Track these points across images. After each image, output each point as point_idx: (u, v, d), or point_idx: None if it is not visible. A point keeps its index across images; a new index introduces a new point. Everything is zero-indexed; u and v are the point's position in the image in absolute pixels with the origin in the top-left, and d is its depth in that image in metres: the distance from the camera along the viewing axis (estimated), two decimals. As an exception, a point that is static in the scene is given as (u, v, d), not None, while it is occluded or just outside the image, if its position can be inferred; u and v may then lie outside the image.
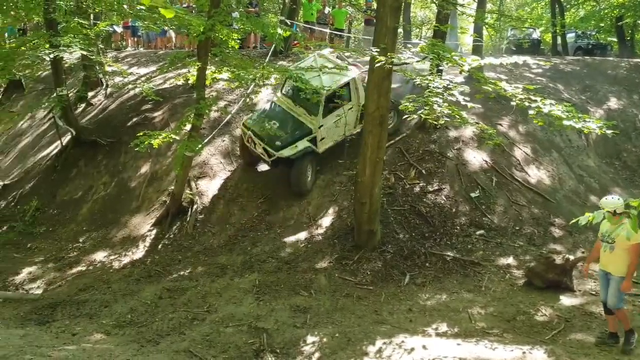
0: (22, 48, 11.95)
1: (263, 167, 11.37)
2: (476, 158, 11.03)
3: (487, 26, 12.86)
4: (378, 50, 7.53)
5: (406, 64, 7.97)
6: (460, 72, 9.68)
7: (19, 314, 7.97)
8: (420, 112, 7.53)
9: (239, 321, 7.32)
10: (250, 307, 7.73)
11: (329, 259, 9.03)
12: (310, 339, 6.84)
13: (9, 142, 16.34)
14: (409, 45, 8.49)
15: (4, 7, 13.49)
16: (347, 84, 10.67)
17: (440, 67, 9.96)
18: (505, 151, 11.35)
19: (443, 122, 7.74)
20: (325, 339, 6.79)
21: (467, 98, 7.16)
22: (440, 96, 7.19)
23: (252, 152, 10.77)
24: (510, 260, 9.07)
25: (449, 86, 7.24)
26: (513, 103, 7.09)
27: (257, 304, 7.84)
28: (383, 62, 7.06)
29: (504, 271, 8.78)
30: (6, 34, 18.58)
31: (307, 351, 6.61)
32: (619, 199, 6.27)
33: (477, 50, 14.36)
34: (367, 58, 9.92)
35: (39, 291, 9.05)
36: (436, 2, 10.52)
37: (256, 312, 7.56)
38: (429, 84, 7.31)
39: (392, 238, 9.35)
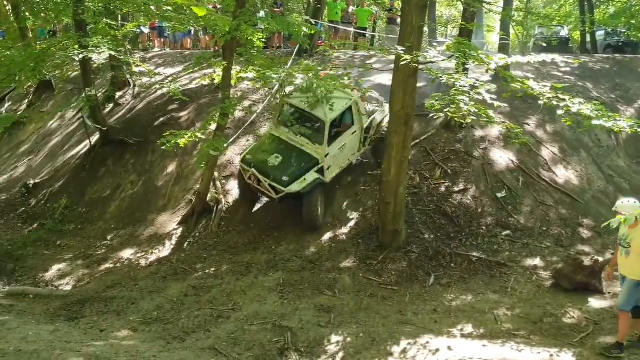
0: (53, 49, 12.18)
1: (263, 199, 10.61)
2: (502, 158, 10.90)
3: (514, 24, 12.68)
4: (404, 49, 7.49)
5: (432, 62, 7.92)
6: (487, 71, 9.58)
7: (49, 309, 8.12)
8: (446, 110, 7.47)
9: (264, 319, 7.36)
10: (275, 306, 7.76)
11: (353, 259, 9.02)
12: (334, 338, 6.85)
13: (40, 142, 16.68)
14: (435, 44, 8.35)
15: (35, 10, 13.81)
16: (349, 108, 10.03)
17: (467, 66, 9.87)
18: (532, 151, 11.20)
19: (470, 120, 7.66)
20: (349, 339, 6.79)
21: (494, 96, 7.10)
22: (467, 95, 7.12)
23: (255, 189, 9.97)
24: (537, 261, 8.94)
25: (475, 84, 7.17)
26: (541, 102, 6.99)
27: (282, 303, 7.87)
28: (408, 61, 7.03)
29: (531, 272, 8.66)
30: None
31: (332, 350, 6.62)
32: (635, 202, 6.14)
33: (503, 48, 14.19)
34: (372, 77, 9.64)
35: (68, 288, 9.24)
36: (462, 0, 10.40)
37: (280, 311, 7.59)
38: (455, 83, 7.25)
39: (417, 238, 9.30)
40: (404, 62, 7.16)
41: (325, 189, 9.96)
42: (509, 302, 7.82)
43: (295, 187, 9.37)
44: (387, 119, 10.45)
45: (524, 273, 8.66)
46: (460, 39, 8.53)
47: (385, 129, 10.28)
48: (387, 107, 10.66)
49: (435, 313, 7.62)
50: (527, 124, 11.91)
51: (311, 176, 9.49)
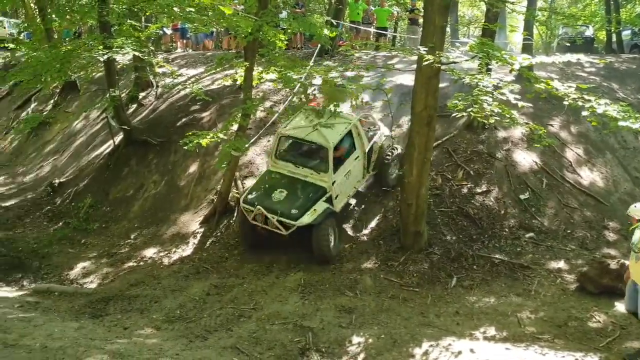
0: (78, 50, 12.37)
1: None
2: (526, 159, 10.77)
3: (537, 24, 12.52)
4: (426, 49, 7.45)
5: (454, 62, 7.86)
6: (510, 72, 9.48)
7: (73, 307, 8.25)
8: (469, 110, 7.41)
9: (285, 319, 7.38)
10: (296, 306, 7.78)
11: (375, 260, 9.00)
12: (355, 339, 6.84)
13: (65, 141, 16.97)
14: (457, 44, 8.23)
15: (60, 11, 14.04)
16: (349, 132, 9.51)
17: (490, 66, 9.78)
18: (556, 152, 11.04)
19: (493, 121, 7.59)
20: (370, 340, 6.78)
21: (517, 97, 7.02)
22: (490, 95, 7.06)
23: (260, 230, 9.24)
24: (561, 264, 8.82)
25: (499, 85, 7.10)
26: (565, 103, 6.88)
27: (303, 303, 7.89)
28: (431, 61, 6.99)
29: (555, 275, 8.54)
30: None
31: (353, 351, 6.61)
32: None
33: (527, 48, 14.03)
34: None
35: (93, 285, 9.37)
36: (485, 0, 10.31)
37: (301, 311, 7.61)
38: (478, 83, 7.18)
39: (439, 240, 9.24)
40: (426, 63, 7.12)
41: (336, 218, 9.35)
42: (532, 305, 7.73)
43: (306, 219, 8.75)
44: (386, 142, 10.43)
45: (547, 276, 8.54)
46: (484, 39, 8.46)
47: (388, 154, 10.25)
48: (384, 129, 10.69)
49: (457, 315, 7.57)
50: (551, 124, 11.75)
51: (321, 206, 8.92)
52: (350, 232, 9.83)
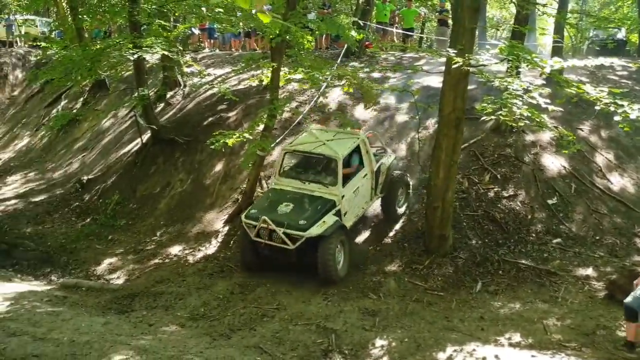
0: (108, 49, 12.58)
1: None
2: (554, 163, 10.61)
3: (569, 26, 12.32)
4: (455, 51, 7.39)
5: (484, 65, 7.78)
6: (541, 75, 9.34)
7: (100, 302, 8.38)
8: (499, 113, 7.33)
9: (308, 320, 7.39)
10: (319, 307, 7.78)
11: (399, 263, 8.95)
12: (379, 342, 6.81)
13: (93, 139, 17.25)
14: (487, 47, 8.09)
15: (92, 11, 14.30)
16: (358, 148, 9.15)
17: (519, 69, 9.65)
18: (585, 157, 10.85)
19: (523, 124, 7.48)
20: (394, 343, 6.75)
21: (547, 101, 6.91)
22: (520, 98, 6.97)
23: (263, 249, 8.56)
24: (589, 271, 8.65)
25: (529, 88, 7.00)
26: (597, 107, 6.76)
27: (326, 304, 7.88)
28: (460, 64, 6.93)
29: (583, 282, 8.38)
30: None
31: (376, 354, 6.58)
32: None
33: (557, 51, 13.80)
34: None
35: (119, 281, 9.51)
36: (515, 2, 10.18)
37: (325, 312, 7.61)
38: (508, 86, 7.09)
39: (464, 244, 9.15)
40: (455, 65, 7.06)
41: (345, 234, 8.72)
42: (559, 312, 7.60)
43: (316, 230, 8.11)
44: (394, 163, 10.05)
45: (575, 283, 8.39)
46: (514, 42, 8.36)
47: (397, 179, 9.81)
48: (391, 153, 10.33)
49: (482, 320, 7.48)
50: (581, 129, 11.55)
51: (330, 219, 8.33)
52: (374, 235, 9.79)
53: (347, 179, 8.84)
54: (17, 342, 6.02)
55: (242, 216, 8.85)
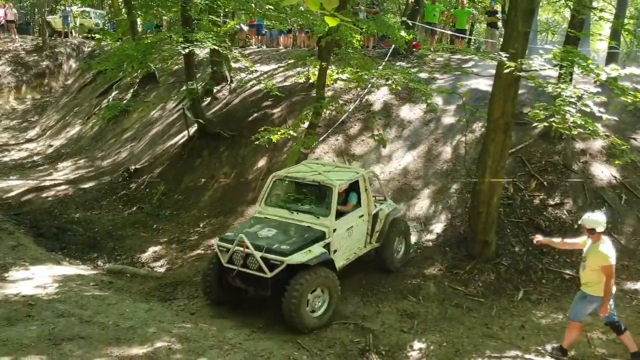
0: (160, 43, 12.88)
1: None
2: (604, 173, 10.30)
3: (626, 33, 11.95)
4: (507, 55, 7.27)
5: (536, 71, 7.62)
6: (595, 82, 9.09)
7: (144, 289, 8.62)
8: (551, 120, 7.17)
9: (346, 319, 7.44)
10: (357, 306, 7.82)
11: (439, 267, 8.87)
12: (416, 344, 6.80)
13: (142, 130, 17.69)
14: (541, 52, 7.88)
15: (145, 6, 14.66)
16: (357, 183, 8.22)
17: (572, 75, 9.43)
18: (638, 167, 10.48)
19: (576, 132, 7.31)
20: (432, 347, 6.72)
21: (602, 109, 6.74)
22: (573, 106, 6.81)
23: (233, 278, 7.31)
24: (638, 285, 8.39)
25: (583, 95, 6.84)
26: (655, 117, 6.55)
27: (364, 304, 7.91)
28: (512, 69, 6.82)
29: (631, 297, 8.13)
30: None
31: (413, 357, 6.58)
32: (598, 216, 6.24)
33: (612, 57, 13.41)
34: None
35: (162, 270, 9.75)
36: (571, 6, 9.93)
37: (362, 312, 7.64)
38: (561, 92, 6.94)
39: (507, 250, 9.00)
40: (507, 70, 6.95)
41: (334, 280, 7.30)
42: (604, 326, 7.38)
43: (299, 257, 6.90)
44: (393, 212, 8.95)
45: (622, 297, 8.13)
46: (568, 47, 8.16)
47: (394, 217, 8.87)
48: (391, 202, 9.31)
49: (523, 329, 7.36)
50: (634, 138, 11.17)
51: (318, 249, 7.18)
52: (414, 237, 9.73)
53: (342, 214, 7.87)
54: (64, 323, 6.26)
55: (215, 240, 8.02)
